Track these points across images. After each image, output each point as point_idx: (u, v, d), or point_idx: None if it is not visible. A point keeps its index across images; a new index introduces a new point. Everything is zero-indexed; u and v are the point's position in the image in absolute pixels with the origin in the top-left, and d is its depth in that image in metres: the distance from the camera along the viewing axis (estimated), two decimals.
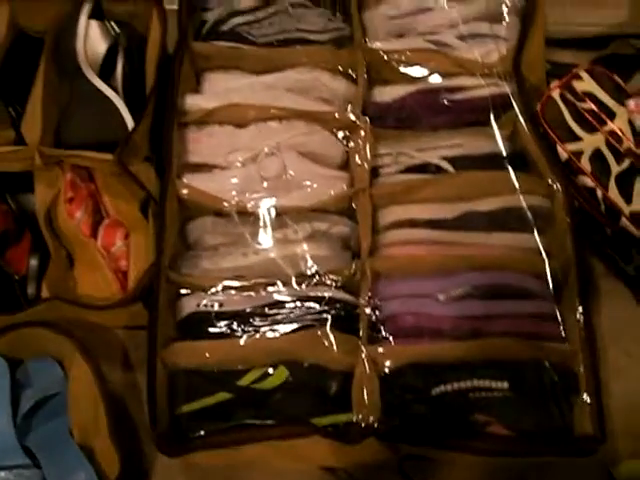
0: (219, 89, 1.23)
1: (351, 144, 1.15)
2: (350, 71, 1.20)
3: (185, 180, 1.10)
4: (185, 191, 1.09)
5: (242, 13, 1.31)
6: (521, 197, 1.08)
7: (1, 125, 1.21)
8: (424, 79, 1.21)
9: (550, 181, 1.08)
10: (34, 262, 1.14)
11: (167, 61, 1.18)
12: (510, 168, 1.11)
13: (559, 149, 1.14)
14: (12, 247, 1.15)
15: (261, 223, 1.09)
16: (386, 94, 1.22)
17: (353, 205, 1.10)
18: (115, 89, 1.18)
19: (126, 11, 1.29)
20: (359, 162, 1.11)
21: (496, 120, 1.18)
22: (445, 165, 1.15)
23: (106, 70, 1.22)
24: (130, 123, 1.15)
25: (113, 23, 1.26)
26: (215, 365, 0.91)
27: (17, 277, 1.12)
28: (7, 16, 1.26)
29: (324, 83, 1.22)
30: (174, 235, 1.08)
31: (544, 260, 0.97)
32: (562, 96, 1.17)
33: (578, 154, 1.13)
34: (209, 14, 1.31)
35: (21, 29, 1.30)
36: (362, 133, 1.12)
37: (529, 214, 1.07)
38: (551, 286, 0.95)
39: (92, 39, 1.22)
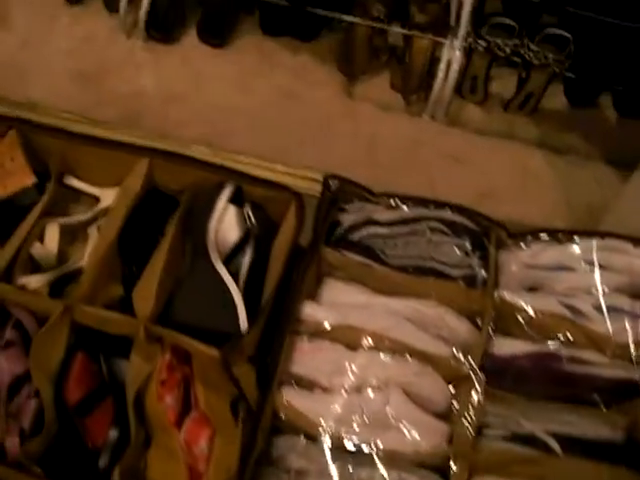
0: (338, 300, 1.36)
1: (460, 397, 1.25)
2: (475, 314, 1.31)
3: (285, 395, 1.22)
4: (283, 407, 1.20)
5: (379, 224, 1.47)
6: None
7: (112, 277, 1.37)
8: (548, 342, 1.31)
9: None
10: (113, 435, 1.23)
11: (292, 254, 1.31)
12: (624, 464, 1.17)
13: None
14: (93, 413, 1.25)
15: (350, 458, 1.19)
16: (506, 347, 1.32)
17: (450, 464, 1.19)
18: (236, 279, 1.33)
19: (263, 196, 1.46)
20: (465, 422, 1.21)
21: (617, 405, 1.24)
22: (552, 443, 1.22)
23: (232, 258, 1.37)
24: (243, 318, 1.28)
25: (249, 209, 1.43)
26: None
27: (91, 446, 1.22)
28: (144, 171, 1.46)
29: (447, 322, 1.34)
30: (259, 450, 1.18)
31: None
32: None
33: None
34: (345, 216, 1.48)
35: (155, 185, 1.50)
36: (474, 393, 1.24)
37: None
38: None
39: (226, 224, 1.38)
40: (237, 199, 1.41)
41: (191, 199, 1.40)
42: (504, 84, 1.92)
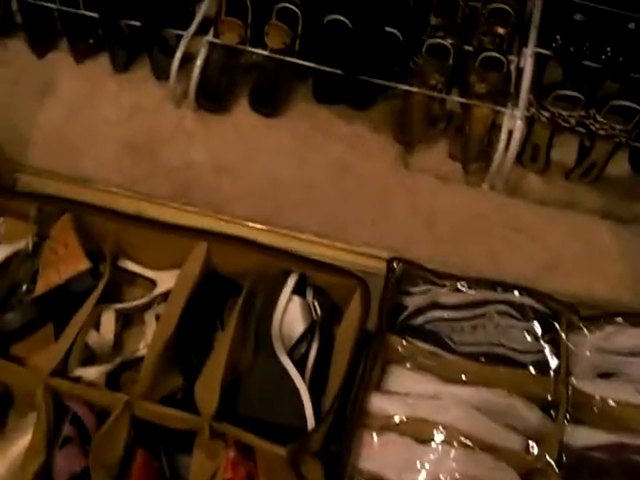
0: (406, 390, 1.40)
1: None
2: (547, 402, 1.34)
3: None
4: None
5: (444, 308, 1.51)
6: None
7: (172, 366, 1.42)
8: (627, 434, 1.33)
9: None
10: None
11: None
12: None
13: None
14: None
15: None
16: (582, 438, 1.34)
17: None
18: (302, 371, 1.37)
19: (327, 280, 1.49)
20: None
21: None
22: None
23: (296, 349, 1.41)
24: (309, 412, 1.32)
25: (313, 295, 1.48)
26: None
27: None
28: (202, 256, 1.51)
29: (518, 411, 1.37)
30: None
31: None
32: None
33: None
34: (409, 299, 1.52)
35: (214, 268, 1.54)
36: None
37: None
38: None
39: (290, 316, 1.42)
40: (300, 283, 1.46)
41: (252, 287, 1.45)
42: (565, 152, 1.93)
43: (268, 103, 2.01)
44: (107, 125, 2.05)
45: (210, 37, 1.96)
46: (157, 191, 1.87)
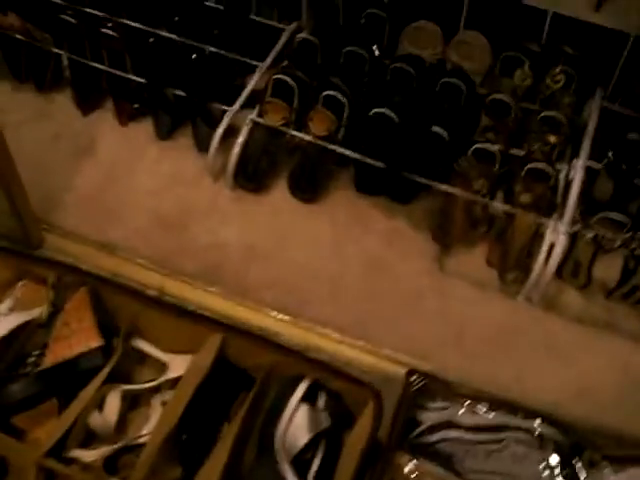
0: None
1: None
2: None
3: None
4: None
5: (461, 428, 1.51)
6: None
7: (172, 456, 1.44)
8: None
9: None
10: None
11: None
12: None
13: None
14: None
15: None
16: None
17: None
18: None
19: (341, 386, 1.50)
20: None
21: None
22: None
23: (300, 457, 1.42)
24: None
25: (324, 399, 1.49)
26: None
27: None
28: (217, 347, 1.54)
29: None
30: None
31: None
32: None
33: None
34: (425, 415, 1.52)
35: (227, 359, 1.57)
36: None
37: None
38: None
39: (296, 424, 1.43)
40: (313, 386, 1.47)
41: (264, 384, 1.47)
42: (609, 270, 1.91)
43: (307, 188, 2.04)
44: (142, 193, 2.09)
45: (254, 116, 2.01)
46: (183, 268, 1.89)
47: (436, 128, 1.86)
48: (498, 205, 1.88)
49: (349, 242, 1.98)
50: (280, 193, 2.09)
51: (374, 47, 2.10)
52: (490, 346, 1.82)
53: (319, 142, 1.94)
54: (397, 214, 2.05)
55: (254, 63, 2.12)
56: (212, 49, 2.13)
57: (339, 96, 1.91)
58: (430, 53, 2.02)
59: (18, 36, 2.20)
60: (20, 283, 1.69)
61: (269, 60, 2.15)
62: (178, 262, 1.91)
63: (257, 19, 2.24)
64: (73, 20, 2.12)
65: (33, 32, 2.17)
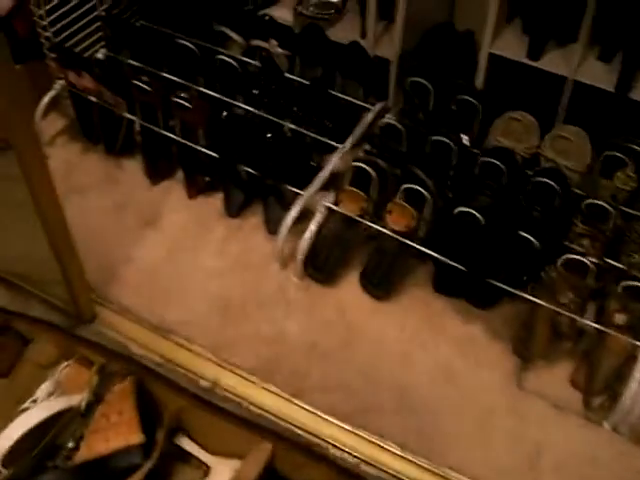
0: None
1: None
2: None
3: None
4: None
5: None
6: None
7: None
8: None
9: None
10: None
11: None
12: None
13: None
14: None
15: None
16: None
17: None
18: None
19: None
20: None
21: None
22: None
23: None
24: None
25: None
26: None
27: None
28: (265, 458, 1.51)
29: None
30: None
31: None
32: None
33: None
34: None
35: (275, 471, 1.54)
36: None
37: None
38: None
39: None
40: None
41: None
42: None
43: (380, 285, 2.01)
44: (205, 274, 2.08)
45: (330, 202, 1.99)
46: (240, 360, 1.87)
47: (525, 234, 1.81)
48: (588, 322, 1.80)
49: (419, 347, 1.93)
50: (350, 286, 2.06)
51: (463, 136, 2.07)
52: (566, 478, 1.74)
53: (397, 237, 1.92)
54: (474, 320, 2.00)
55: (334, 144, 2.11)
56: (290, 126, 2.13)
57: (422, 191, 1.88)
58: (524, 147, 1.98)
59: (92, 98, 2.25)
60: (64, 364, 1.70)
61: (350, 143, 2.14)
62: (235, 353, 1.89)
63: (340, 96, 2.23)
64: (147, 87, 2.14)
65: (106, 95, 2.22)
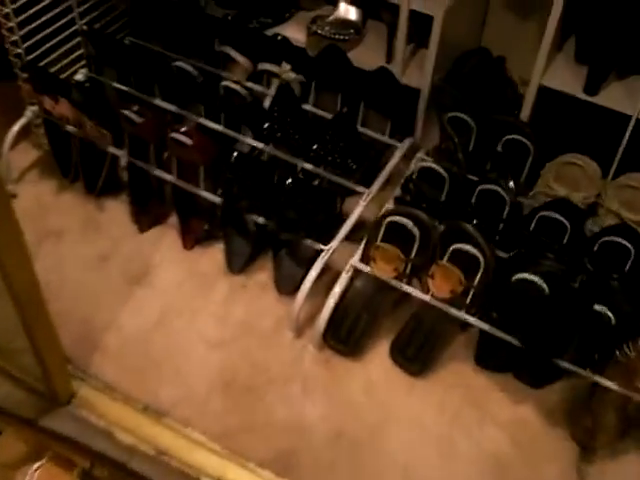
0: None
1: None
2: None
3: None
4: None
5: None
6: None
7: None
8: None
9: None
10: None
11: None
12: None
13: None
14: None
15: None
16: None
17: None
18: None
19: None
20: None
21: None
22: None
23: None
24: None
25: None
26: None
27: None
28: None
29: None
30: None
31: None
32: None
33: None
34: None
35: None
36: None
37: None
38: None
39: None
40: None
41: None
42: None
43: (415, 359, 1.82)
44: (204, 343, 1.88)
45: (357, 261, 1.79)
46: (249, 451, 1.67)
47: (599, 307, 1.61)
48: None
49: (462, 435, 1.74)
50: (379, 359, 1.87)
51: (509, 182, 1.92)
52: None
53: (439, 304, 1.73)
54: (525, 399, 1.81)
55: (359, 189, 1.93)
56: (307, 166, 1.95)
57: (474, 252, 1.68)
58: (582, 196, 1.84)
59: (70, 128, 2.05)
60: (36, 464, 1.49)
61: (377, 186, 1.96)
62: (243, 443, 1.68)
63: (370, 134, 2.05)
64: (137, 117, 1.93)
65: (87, 125, 2.01)
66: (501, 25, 2.13)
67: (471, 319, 1.73)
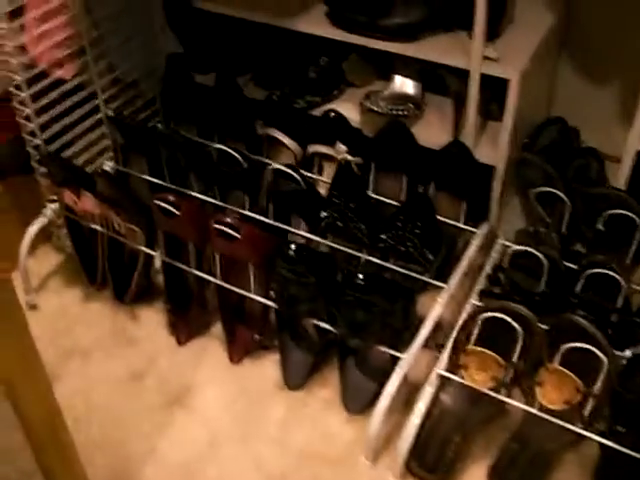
0: None
1: None
2: None
3: None
4: None
5: None
6: None
7: None
8: None
9: None
10: None
11: None
12: None
13: None
14: None
15: None
16: None
17: None
18: None
19: None
20: None
21: None
22: None
23: None
24: None
25: None
26: None
27: None
28: None
29: None
30: None
31: None
32: None
33: None
34: None
35: None
36: None
37: None
38: None
39: None
40: None
41: None
42: None
43: None
44: (261, 472, 1.64)
45: (443, 370, 1.55)
46: None
47: None
48: None
49: None
50: None
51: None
52: None
53: (551, 420, 1.47)
54: None
55: (436, 284, 1.69)
56: (373, 259, 1.73)
57: (595, 351, 1.44)
58: None
59: (95, 226, 1.87)
60: None
61: (456, 280, 1.71)
62: None
63: (449, 222, 1.85)
64: (176, 210, 1.72)
65: (115, 222, 1.82)
66: (572, 93, 2.02)
67: (596, 437, 1.47)
